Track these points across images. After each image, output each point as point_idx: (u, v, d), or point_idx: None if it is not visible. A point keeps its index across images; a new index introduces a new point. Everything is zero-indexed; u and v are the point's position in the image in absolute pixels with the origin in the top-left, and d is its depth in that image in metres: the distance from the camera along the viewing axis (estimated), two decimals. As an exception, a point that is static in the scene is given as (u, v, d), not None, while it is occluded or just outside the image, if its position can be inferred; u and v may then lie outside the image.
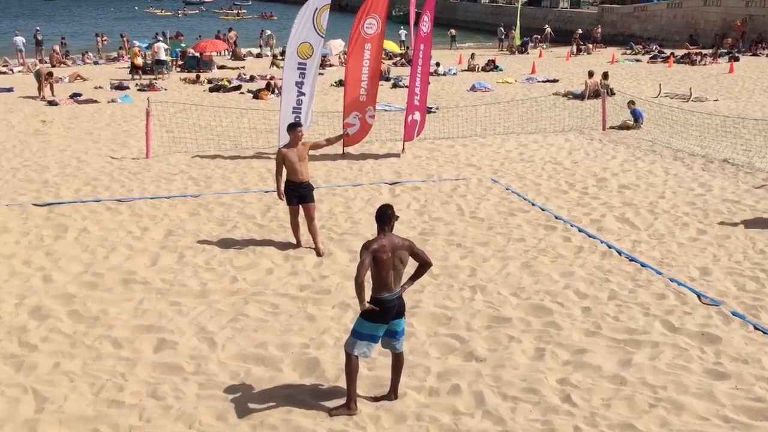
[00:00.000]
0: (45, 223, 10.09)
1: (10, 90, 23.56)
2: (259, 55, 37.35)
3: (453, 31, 44.49)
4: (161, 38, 33.25)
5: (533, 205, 11.19)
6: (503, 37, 42.16)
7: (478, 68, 30.52)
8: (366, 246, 5.57)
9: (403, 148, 14.90)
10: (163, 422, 5.54)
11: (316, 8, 13.62)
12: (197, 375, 6.23)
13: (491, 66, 30.88)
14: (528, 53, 38.79)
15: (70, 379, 6.13)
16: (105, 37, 40.36)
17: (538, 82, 26.96)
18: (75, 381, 6.10)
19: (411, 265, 5.76)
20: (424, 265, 5.80)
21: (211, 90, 24.30)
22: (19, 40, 32.98)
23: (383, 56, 24.07)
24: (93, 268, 8.58)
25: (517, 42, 40.10)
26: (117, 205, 10.93)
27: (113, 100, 21.79)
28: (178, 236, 9.71)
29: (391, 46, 34.88)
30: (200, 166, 13.64)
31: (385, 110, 19.40)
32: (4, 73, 28.69)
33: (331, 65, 32.15)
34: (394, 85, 25.19)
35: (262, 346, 6.75)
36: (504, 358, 6.52)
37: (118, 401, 5.82)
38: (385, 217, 5.68)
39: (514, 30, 40.52)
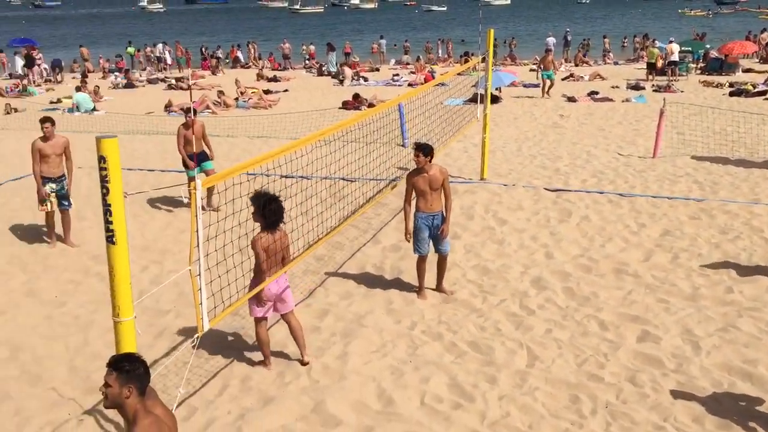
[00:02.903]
0: (552, 206, 11.09)
1: (537, 86, 26.05)
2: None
3: None
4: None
5: None
6: None
7: None
8: None
9: None
10: (638, 407, 5.74)
11: None
12: (677, 373, 6.24)
13: None
14: None
15: (558, 346, 6.78)
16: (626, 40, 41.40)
17: None
18: (562, 348, 6.72)
19: None
20: None
21: (731, 94, 22.93)
22: (550, 41, 36.08)
23: None
24: (589, 253, 9.17)
25: None
26: (619, 199, 11.34)
27: (627, 100, 22.32)
28: (675, 237, 9.65)
29: None
30: (707, 171, 13.14)
31: None
32: (535, 71, 31.73)
33: None
34: None
35: (751, 362, 6.37)
36: None
37: (598, 377, 6.23)
38: None
39: None
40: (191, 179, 10.41)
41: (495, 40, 12.64)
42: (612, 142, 16.06)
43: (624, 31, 48.34)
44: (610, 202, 11.22)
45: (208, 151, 11.46)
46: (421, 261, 7.94)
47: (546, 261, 8.97)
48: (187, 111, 11.38)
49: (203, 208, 10.30)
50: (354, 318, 7.48)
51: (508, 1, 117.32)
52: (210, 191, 10.97)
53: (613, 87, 25.30)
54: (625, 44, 40.90)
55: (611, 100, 22.41)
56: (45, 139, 9.58)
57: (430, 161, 7.66)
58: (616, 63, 34.75)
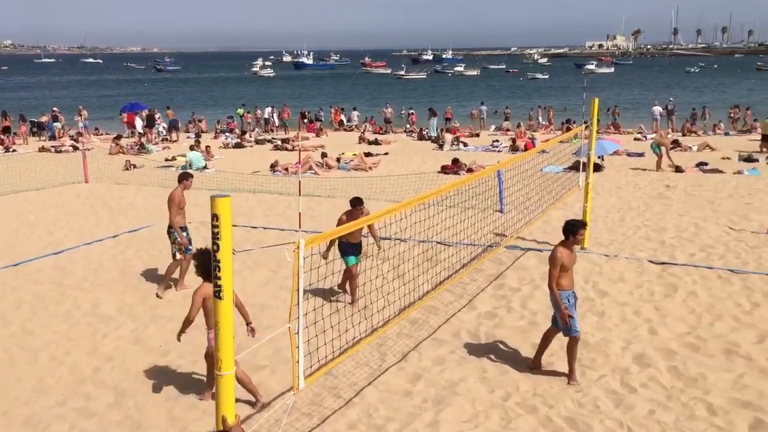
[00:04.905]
0: (657, 280, 10.66)
1: (641, 155, 25.43)
2: None
3: None
4: None
5: None
6: None
7: None
8: None
9: None
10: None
11: None
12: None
13: None
14: None
15: (662, 429, 6.41)
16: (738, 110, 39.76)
17: None
18: (666, 432, 6.36)
19: None
20: None
21: None
22: (656, 110, 35.32)
23: None
24: (697, 331, 8.72)
25: None
26: (729, 276, 10.78)
27: (739, 172, 21.40)
28: (794, 319, 9.04)
29: None
30: (830, 249, 12.31)
31: None
32: (639, 140, 31.07)
33: None
34: None
35: None
36: None
37: (706, 465, 5.83)
38: None
39: None
40: (351, 267, 9.79)
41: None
42: (722, 216, 15.34)
43: (739, 101, 46.61)
44: (720, 278, 10.68)
45: (372, 240, 10.33)
46: (576, 342, 7.50)
47: (650, 337, 8.59)
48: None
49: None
50: (447, 384, 7.37)
51: (612, 69, 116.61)
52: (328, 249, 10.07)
53: (723, 158, 24.33)
54: (734, 115, 38.99)
55: (721, 171, 21.54)
56: (183, 191, 10.50)
57: None
58: (726, 134, 33.52)
